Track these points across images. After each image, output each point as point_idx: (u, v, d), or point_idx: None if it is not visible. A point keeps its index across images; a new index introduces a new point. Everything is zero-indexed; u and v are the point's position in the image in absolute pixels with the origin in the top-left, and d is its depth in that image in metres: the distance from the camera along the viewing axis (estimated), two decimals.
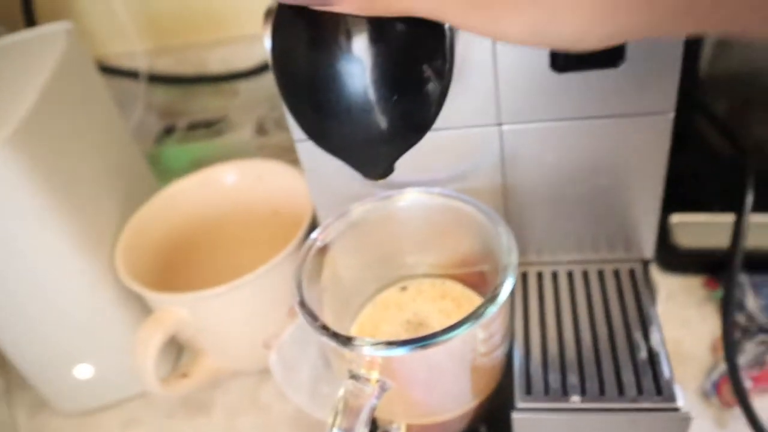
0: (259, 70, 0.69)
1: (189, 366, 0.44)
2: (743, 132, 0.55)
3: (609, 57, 0.30)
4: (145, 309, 0.44)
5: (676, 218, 0.49)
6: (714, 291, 0.47)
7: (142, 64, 0.71)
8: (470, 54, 0.30)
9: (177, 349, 0.49)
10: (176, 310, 0.40)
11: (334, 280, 0.37)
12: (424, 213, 0.36)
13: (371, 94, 0.28)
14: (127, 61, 0.72)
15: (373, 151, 0.29)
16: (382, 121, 0.28)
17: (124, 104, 0.73)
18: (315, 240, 0.34)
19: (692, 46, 0.50)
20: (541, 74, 0.31)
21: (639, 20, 0.20)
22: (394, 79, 0.27)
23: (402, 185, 0.35)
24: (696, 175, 0.52)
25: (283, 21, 0.28)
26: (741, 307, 0.44)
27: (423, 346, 0.28)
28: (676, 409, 0.30)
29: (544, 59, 0.30)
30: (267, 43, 0.30)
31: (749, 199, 0.41)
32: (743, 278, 0.45)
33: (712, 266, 0.47)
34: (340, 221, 0.35)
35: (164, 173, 0.67)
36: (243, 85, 0.71)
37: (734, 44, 0.54)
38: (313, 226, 0.42)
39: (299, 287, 0.32)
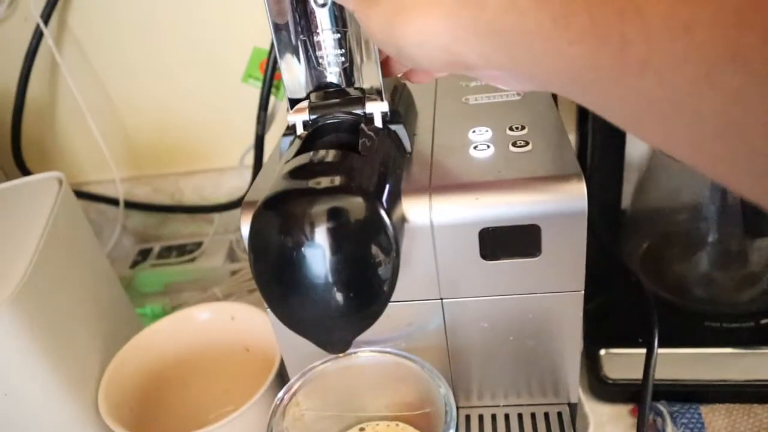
0: (233, 204, 0.75)
1: None
2: (661, 267, 0.62)
3: (528, 250, 0.36)
4: None
5: (604, 352, 0.55)
6: None
7: (120, 192, 0.76)
8: (414, 244, 0.37)
9: None
10: None
11: (296, 423, 0.42)
12: (378, 367, 0.41)
13: (334, 292, 0.33)
14: (106, 189, 0.78)
15: (333, 330, 0.35)
16: (342, 312, 0.34)
17: (102, 228, 0.78)
18: (281, 400, 0.39)
19: (613, 206, 0.58)
20: (473, 261, 0.37)
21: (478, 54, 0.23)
22: (349, 273, 0.33)
23: (359, 344, 0.41)
24: (622, 312, 0.58)
25: (261, 226, 0.34)
26: None
27: None
28: None
29: (476, 251, 0.37)
30: (244, 230, 0.36)
31: (655, 344, 0.47)
32: (663, 408, 0.51)
33: (637, 396, 0.53)
34: (302, 381, 0.40)
35: (138, 296, 0.72)
36: (218, 216, 0.77)
37: (654, 183, 0.62)
38: (280, 369, 0.47)
39: None
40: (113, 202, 0.77)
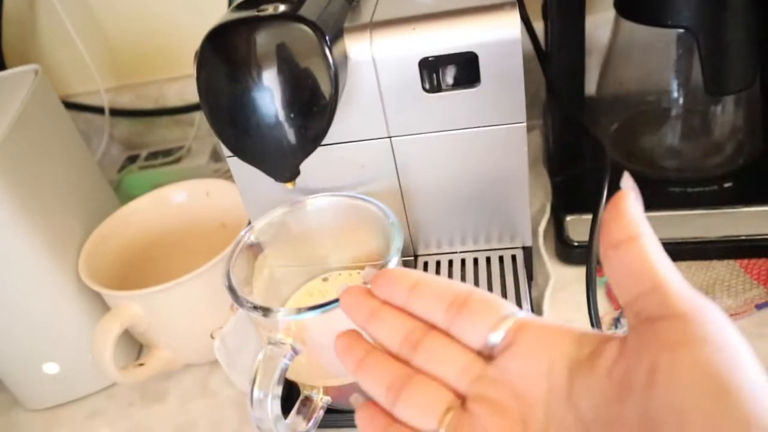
0: None
1: (145, 357, 0.50)
2: (631, 143, 0.63)
3: (468, 79, 0.38)
4: (104, 311, 0.50)
5: (569, 218, 0.56)
6: (601, 277, 0.54)
7: (105, 100, 0.78)
8: (358, 81, 0.38)
9: (137, 348, 0.55)
10: (130, 305, 0.46)
11: (265, 280, 0.44)
12: (335, 213, 0.43)
13: (277, 114, 0.35)
14: (92, 99, 0.79)
15: (281, 159, 0.36)
16: (285, 135, 0.35)
17: (90, 138, 0.80)
18: (242, 237, 0.41)
19: (576, 75, 0.58)
20: (416, 95, 0.38)
21: None
22: (293, 101, 0.35)
23: (316, 191, 0.43)
24: (586, 181, 0.60)
25: (207, 59, 0.36)
26: None
27: (325, 311, 0.35)
28: None
29: (418, 83, 0.38)
30: (195, 76, 0.37)
31: (604, 195, 0.48)
32: None
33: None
34: (263, 222, 0.42)
35: (128, 198, 0.74)
36: (198, 117, 0.79)
37: (617, 69, 0.63)
38: None
39: (228, 275, 0.39)
40: (99, 111, 0.79)
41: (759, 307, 0.47)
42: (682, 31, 0.55)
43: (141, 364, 0.49)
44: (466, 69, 0.37)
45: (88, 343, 0.47)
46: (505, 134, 0.40)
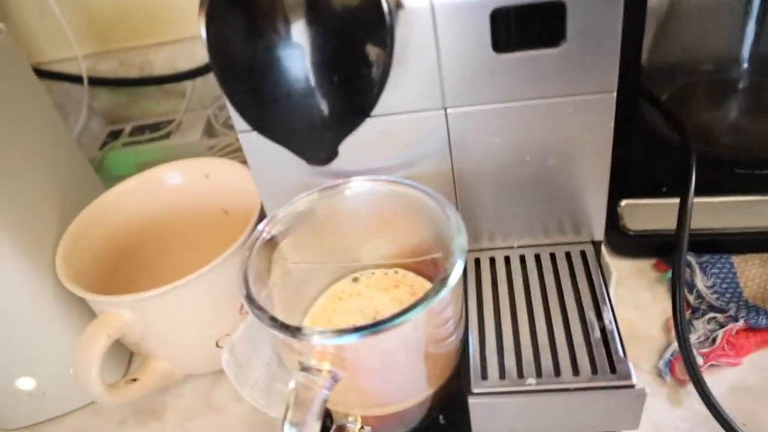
0: (206, 69, 0.68)
1: (139, 371, 0.42)
2: (684, 117, 0.56)
3: (550, 36, 0.30)
4: (89, 317, 0.42)
5: (625, 203, 0.49)
6: (664, 273, 0.47)
7: (83, 68, 0.69)
8: (412, 37, 0.30)
9: (128, 357, 0.48)
10: (120, 312, 0.38)
11: (284, 276, 0.36)
12: (372, 201, 0.35)
13: (311, 79, 0.27)
14: (69, 67, 0.71)
15: (316, 136, 0.29)
16: (323, 106, 0.27)
17: (67, 111, 0.71)
18: (261, 232, 0.33)
19: (634, 36, 0.51)
20: (483, 55, 0.31)
21: None
22: (334, 61, 0.27)
23: (350, 174, 0.35)
24: (643, 161, 0.53)
25: (217, 9, 0.28)
26: (690, 287, 0.45)
27: (373, 333, 0.27)
28: (630, 386, 0.31)
29: (487, 40, 0.30)
30: (202, 32, 0.29)
31: (692, 180, 0.41)
32: (692, 259, 0.46)
33: (661, 248, 0.48)
34: (286, 212, 0.34)
35: (111, 178, 0.65)
36: (190, 87, 0.70)
37: (673, 34, 0.55)
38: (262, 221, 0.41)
39: (245, 280, 0.31)
40: (77, 80, 0.70)
41: None
42: None
43: (134, 380, 0.41)
44: (549, 24, 0.29)
45: (69, 354, 0.40)
46: (590, 106, 0.32)
